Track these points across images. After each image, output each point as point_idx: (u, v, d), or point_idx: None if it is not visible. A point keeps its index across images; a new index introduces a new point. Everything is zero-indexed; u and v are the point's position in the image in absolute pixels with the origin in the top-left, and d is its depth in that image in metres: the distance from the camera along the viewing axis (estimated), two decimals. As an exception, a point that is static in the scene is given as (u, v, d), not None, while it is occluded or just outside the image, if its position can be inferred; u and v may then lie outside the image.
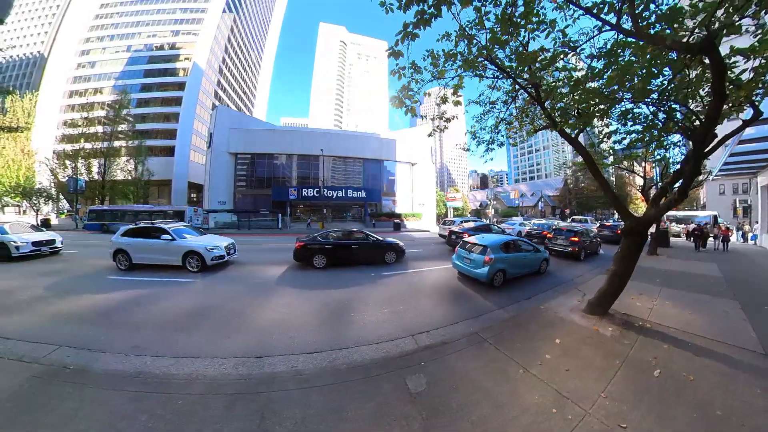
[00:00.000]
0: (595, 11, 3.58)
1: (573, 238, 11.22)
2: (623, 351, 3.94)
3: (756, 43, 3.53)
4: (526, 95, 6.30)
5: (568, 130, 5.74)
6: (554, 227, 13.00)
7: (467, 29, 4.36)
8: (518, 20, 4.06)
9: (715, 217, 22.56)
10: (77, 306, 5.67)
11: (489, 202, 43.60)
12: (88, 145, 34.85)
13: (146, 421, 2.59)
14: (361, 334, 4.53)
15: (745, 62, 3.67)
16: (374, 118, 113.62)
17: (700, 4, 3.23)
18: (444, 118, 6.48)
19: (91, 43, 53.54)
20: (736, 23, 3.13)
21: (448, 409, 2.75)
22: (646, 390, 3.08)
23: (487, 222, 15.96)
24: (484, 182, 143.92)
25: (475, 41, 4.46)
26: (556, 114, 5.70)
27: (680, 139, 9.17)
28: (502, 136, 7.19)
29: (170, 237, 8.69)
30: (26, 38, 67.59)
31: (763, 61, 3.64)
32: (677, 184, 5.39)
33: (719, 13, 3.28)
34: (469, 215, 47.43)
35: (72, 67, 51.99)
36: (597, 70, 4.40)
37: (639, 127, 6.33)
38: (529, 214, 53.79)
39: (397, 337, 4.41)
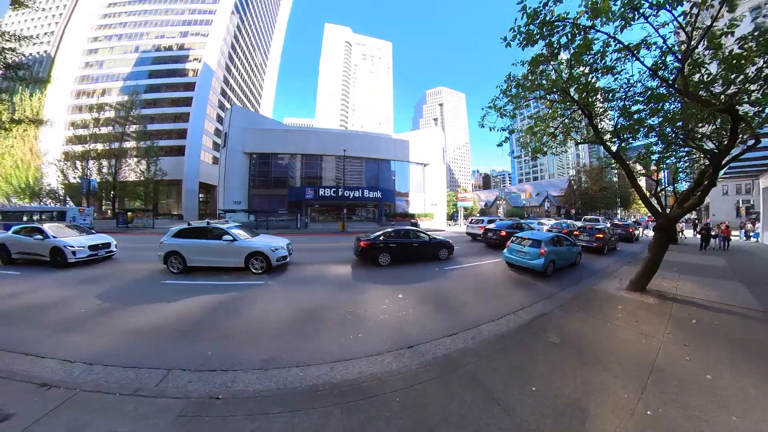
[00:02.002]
0: (654, 69, 5.27)
1: (598, 235, 12.97)
2: (666, 311, 5.63)
3: (759, 96, 5.20)
4: (570, 114, 7.98)
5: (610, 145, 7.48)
6: (578, 226, 14.71)
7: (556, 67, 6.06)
8: (598, 66, 5.73)
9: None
10: (151, 317, 5.12)
11: (499, 202, 45.21)
12: (99, 146, 35.03)
13: (408, 426, 2.54)
14: (472, 317, 5.30)
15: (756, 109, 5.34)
16: (379, 118, 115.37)
17: (732, 77, 4.88)
18: (508, 130, 8.19)
19: (98, 42, 53.89)
20: (750, 90, 4.81)
21: (584, 347, 4.11)
22: (691, 330, 4.78)
23: (518, 221, 17.62)
24: (486, 182, 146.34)
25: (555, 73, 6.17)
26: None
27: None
28: (549, 146, 8.84)
29: (231, 238, 8.43)
30: (33, 37, 67.86)
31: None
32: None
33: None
34: (477, 214, 49.22)
35: (79, 67, 52.35)
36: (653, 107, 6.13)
37: (660, 146, 8.10)
38: (534, 213, 55.65)
39: (503, 315, 5.43)
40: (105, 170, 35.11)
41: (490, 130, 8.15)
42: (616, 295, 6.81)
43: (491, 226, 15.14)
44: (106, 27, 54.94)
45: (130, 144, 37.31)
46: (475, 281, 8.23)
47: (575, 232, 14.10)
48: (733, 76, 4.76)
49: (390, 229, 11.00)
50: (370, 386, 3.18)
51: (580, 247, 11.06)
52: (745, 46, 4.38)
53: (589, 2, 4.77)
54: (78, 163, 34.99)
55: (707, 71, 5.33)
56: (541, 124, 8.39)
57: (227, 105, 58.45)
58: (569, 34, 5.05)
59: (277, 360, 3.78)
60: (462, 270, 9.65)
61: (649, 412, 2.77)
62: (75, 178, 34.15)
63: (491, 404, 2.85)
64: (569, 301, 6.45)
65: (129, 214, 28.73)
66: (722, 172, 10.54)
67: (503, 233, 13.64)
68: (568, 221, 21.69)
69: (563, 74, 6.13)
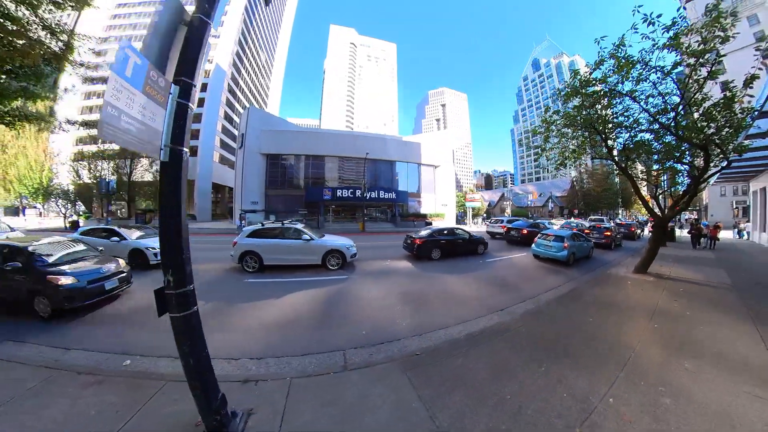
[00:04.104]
0: (656, 115, 7.60)
1: (606, 233, 15.30)
2: (662, 285, 7.95)
3: (731, 131, 7.46)
4: (589, 136, 10.18)
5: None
6: (588, 225, 17.00)
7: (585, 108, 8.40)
8: (617, 111, 8.12)
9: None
10: (269, 314, 5.41)
11: (505, 203, 47.49)
12: (115, 146, 35.13)
13: (538, 341, 4.48)
14: (527, 292, 7.25)
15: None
16: (384, 119, 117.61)
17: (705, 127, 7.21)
18: (538, 148, 10.42)
19: (108, 43, 53.92)
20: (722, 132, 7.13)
21: (609, 303, 6.31)
22: (680, 294, 7.09)
23: (536, 221, 19.89)
24: (488, 182, 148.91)
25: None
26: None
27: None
28: (570, 159, 11.01)
29: (309, 237, 9.08)
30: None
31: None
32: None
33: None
34: (484, 215, 51.55)
35: (89, 68, 53.39)
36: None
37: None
38: (537, 213, 58.02)
39: (548, 289, 7.46)
40: (120, 170, 35.87)
41: (527, 147, 10.53)
42: (625, 276, 9.13)
43: (512, 225, 17.40)
44: (115, 28, 55.67)
45: (145, 144, 38.12)
46: (515, 269, 10.44)
47: (586, 231, 16.36)
48: (706, 126, 7.14)
49: (428, 231, 12.38)
50: (501, 329, 4.86)
51: (592, 242, 13.33)
52: (713, 110, 6.72)
53: (617, 68, 7.12)
54: (91, 164, 35.51)
55: (694, 112, 7.63)
56: (567, 143, 10.64)
57: (236, 104, 59.32)
58: (601, 92, 7.43)
59: (421, 328, 4.78)
60: (501, 261, 11.87)
61: (655, 326, 5.08)
62: (90, 178, 34.84)
63: (572, 326, 5.10)
64: (591, 281, 8.73)
65: (147, 215, 29.50)
66: (714, 178, 12.82)
67: (525, 231, 15.93)
68: (577, 221, 23.93)
69: (593, 114, 8.46)
